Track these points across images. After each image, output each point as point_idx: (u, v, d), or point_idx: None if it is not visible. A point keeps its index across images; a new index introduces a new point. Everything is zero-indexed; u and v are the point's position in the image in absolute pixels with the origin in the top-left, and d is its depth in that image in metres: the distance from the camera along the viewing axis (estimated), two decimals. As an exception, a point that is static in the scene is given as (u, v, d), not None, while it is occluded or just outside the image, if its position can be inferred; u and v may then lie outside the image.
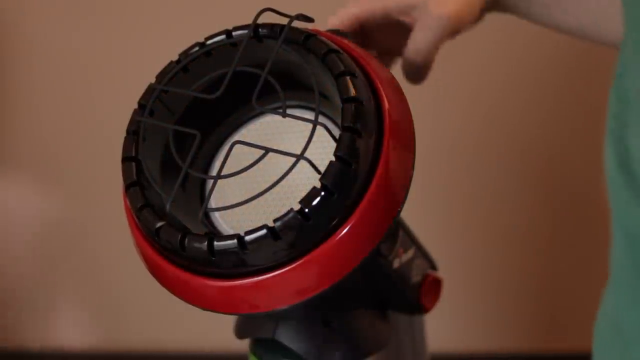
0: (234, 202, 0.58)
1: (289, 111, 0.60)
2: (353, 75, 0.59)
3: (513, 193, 1.30)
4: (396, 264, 0.70)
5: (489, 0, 0.77)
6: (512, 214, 1.30)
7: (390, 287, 0.71)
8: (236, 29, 0.63)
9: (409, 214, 0.68)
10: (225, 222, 0.64)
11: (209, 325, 1.24)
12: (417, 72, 0.76)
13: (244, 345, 0.73)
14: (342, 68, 0.59)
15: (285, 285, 0.58)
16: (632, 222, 0.53)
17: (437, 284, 0.76)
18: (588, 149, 1.26)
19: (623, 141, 0.53)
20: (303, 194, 0.56)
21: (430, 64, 0.75)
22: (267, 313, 0.60)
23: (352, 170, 0.56)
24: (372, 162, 0.58)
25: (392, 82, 0.63)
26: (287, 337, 0.68)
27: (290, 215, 0.56)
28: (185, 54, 0.64)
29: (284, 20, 0.61)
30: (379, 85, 0.60)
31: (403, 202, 0.60)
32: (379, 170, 0.58)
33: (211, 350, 1.36)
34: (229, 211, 0.60)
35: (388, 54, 0.79)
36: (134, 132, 0.62)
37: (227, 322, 0.73)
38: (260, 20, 0.61)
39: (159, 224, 0.59)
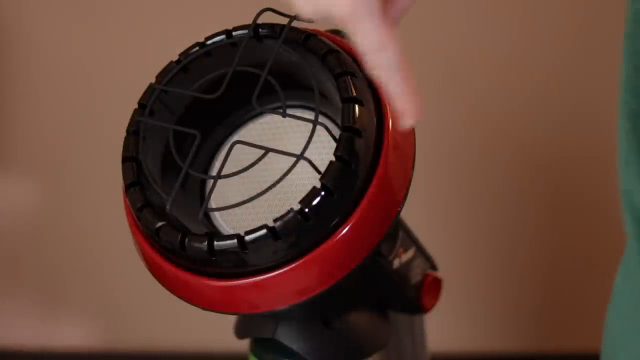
0: (234, 202, 0.58)
1: (289, 111, 0.60)
2: (353, 75, 0.59)
3: (514, 193, 1.29)
4: (396, 264, 0.70)
5: None
6: (513, 214, 1.30)
7: (390, 287, 0.71)
8: (236, 29, 0.63)
9: (409, 214, 0.68)
10: (225, 222, 0.64)
11: (209, 325, 1.24)
12: None
13: (244, 345, 0.73)
14: (342, 68, 0.59)
15: (286, 285, 0.58)
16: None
17: (437, 284, 0.76)
18: (590, 150, 1.26)
19: None
20: (303, 194, 0.56)
21: None
22: (267, 313, 0.60)
23: (352, 170, 0.56)
24: (372, 162, 0.58)
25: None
26: (287, 337, 0.68)
27: (290, 215, 0.56)
28: (185, 54, 0.64)
29: (284, 20, 0.61)
30: (379, 85, 0.60)
31: (403, 202, 0.60)
32: (379, 170, 0.58)
33: (211, 350, 1.36)
34: (229, 211, 0.60)
35: None
36: (134, 132, 0.62)
37: (227, 322, 0.73)
38: (260, 20, 0.61)
39: (159, 224, 0.59)
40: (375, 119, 0.59)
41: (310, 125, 0.57)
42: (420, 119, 0.52)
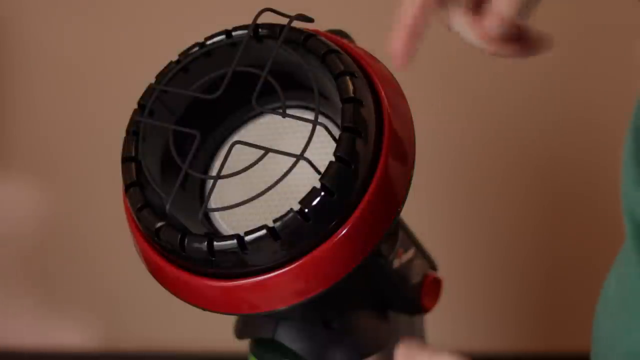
0: (234, 202, 0.58)
1: (289, 111, 0.60)
2: (353, 75, 0.59)
3: (514, 193, 1.29)
4: (396, 264, 0.70)
5: None
6: (513, 214, 1.30)
7: (390, 287, 0.71)
8: (236, 29, 0.63)
9: (409, 214, 0.68)
10: (225, 222, 0.64)
11: (209, 325, 1.24)
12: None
13: (244, 345, 0.73)
14: (342, 68, 0.59)
15: (286, 285, 0.58)
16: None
17: (437, 284, 0.76)
18: (591, 149, 1.26)
19: None
20: (303, 194, 0.56)
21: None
22: (267, 313, 0.60)
23: (352, 170, 0.56)
24: (372, 162, 0.58)
25: (392, 81, 0.63)
26: (287, 337, 0.68)
27: (290, 215, 0.56)
28: (185, 54, 0.64)
29: (284, 21, 0.61)
30: (379, 85, 0.60)
31: (403, 202, 0.60)
32: (379, 171, 0.58)
33: (211, 350, 1.35)
34: (229, 211, 0.60)
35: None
36: (134, 132, 0.62)
37: (227, 322, 0.73)
38: (260, 20, 0.61)
39: (158, 224, 0.59)
40: (375, 119, 0.59)
41: (310, 126, 0.57)
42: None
